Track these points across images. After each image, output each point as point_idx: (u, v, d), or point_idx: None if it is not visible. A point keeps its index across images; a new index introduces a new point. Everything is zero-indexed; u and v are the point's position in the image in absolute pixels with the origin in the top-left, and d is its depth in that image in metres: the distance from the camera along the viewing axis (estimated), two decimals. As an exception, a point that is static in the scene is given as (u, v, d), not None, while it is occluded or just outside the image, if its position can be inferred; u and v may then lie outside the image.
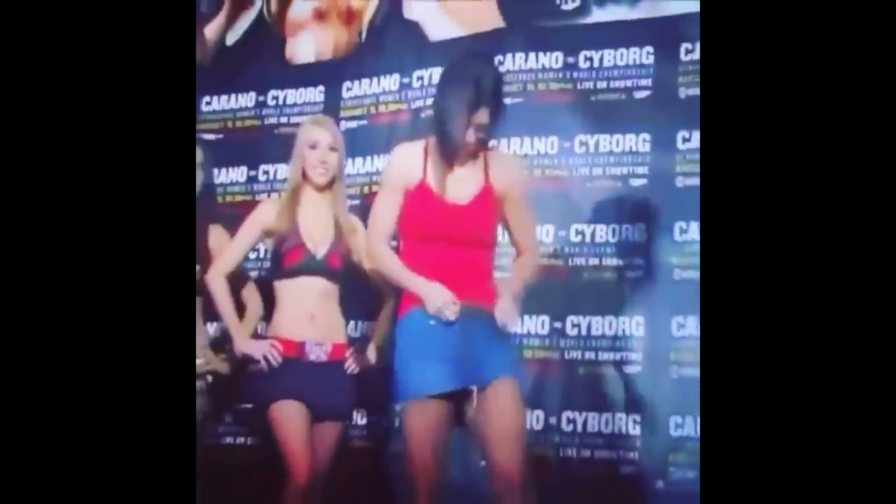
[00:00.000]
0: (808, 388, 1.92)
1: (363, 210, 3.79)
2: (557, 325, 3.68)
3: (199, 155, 3.57)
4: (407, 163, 2.93)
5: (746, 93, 2.00)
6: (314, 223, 3.43)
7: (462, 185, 2.91)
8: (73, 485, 1.99)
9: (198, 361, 3.44)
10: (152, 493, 2.03)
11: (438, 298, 2.79)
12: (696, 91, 3.58)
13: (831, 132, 1.94)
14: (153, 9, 2.17)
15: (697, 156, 3.53)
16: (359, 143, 4.10)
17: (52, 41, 2.07)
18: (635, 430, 3.57)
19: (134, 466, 2.02)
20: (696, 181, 3.52)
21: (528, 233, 3.08)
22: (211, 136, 4.47)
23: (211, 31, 4.75)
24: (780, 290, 1.94)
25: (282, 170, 4.08)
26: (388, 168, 3.08)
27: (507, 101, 3.64)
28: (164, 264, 2.13)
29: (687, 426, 3.47)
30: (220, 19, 4.75)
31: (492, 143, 2.97)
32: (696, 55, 3.65)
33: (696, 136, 3.59)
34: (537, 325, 3.74)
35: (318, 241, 3.39)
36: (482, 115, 2.79)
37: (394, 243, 3.10)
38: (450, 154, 2.86)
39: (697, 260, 3.48)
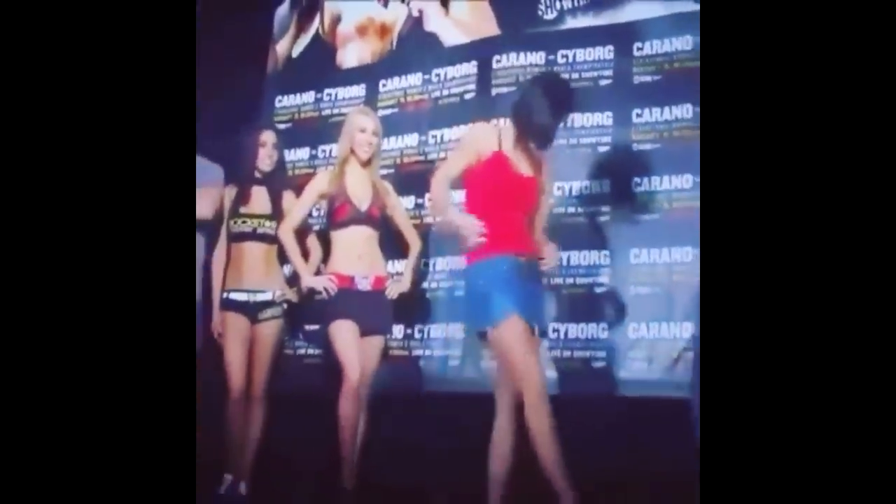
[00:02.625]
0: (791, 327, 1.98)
1: (396, 177, 4.41)
2: (545, 258, 3.85)
3: (274, 139, 4.09)
4: (483, 136, 3.26)
5: (737, 85, 2.08)
6: (358, 186, 3.85)
7: (528, 162, 3.26)
8: (74, 476, 1.97)
9: (277, 293, 4.00)
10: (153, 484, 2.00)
11: (470, 228, 3.07)
12: (647, 78, 4.14)
13: (802, 120, 2.03)
14: (155, 11, 2.17)
15: (648, 127, 4.09)
16: (391, 126, 4.49)
17: (55, 43, 2.07)
18: (604, 335, 3.98)
19: (135, 451, 2.02)
20: (648, 146, 4.07)
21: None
22: (283, 126, 4.91)
23: (282, 47, 5.27)
24: (759, 234, 2.01)
25: (335, 149, 4.29)
26: (465, 136, 3.46)
27: (504, 90, 4.31)
28: (164, 264, 2.12)
29: (641, 330, 3.90)
30: (288, 38, 5.26)
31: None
32: (646, 51, 4.15)
33: (647, 112, 4.08)
34: (529, 258, 4.15)
35: (361, 198, 3.81)
36: (564, 119, 3.27)
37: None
38: (539, 144, 3.23)
39: (650, 205, 4.01)
